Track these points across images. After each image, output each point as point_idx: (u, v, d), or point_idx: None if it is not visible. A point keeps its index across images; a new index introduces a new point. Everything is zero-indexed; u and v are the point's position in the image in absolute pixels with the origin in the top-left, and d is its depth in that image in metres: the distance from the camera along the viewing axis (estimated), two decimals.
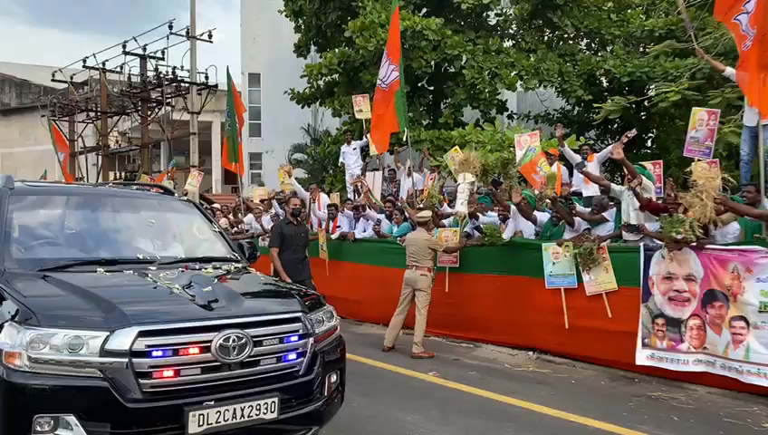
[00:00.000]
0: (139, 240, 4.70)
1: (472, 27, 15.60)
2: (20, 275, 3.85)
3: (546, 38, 17.21)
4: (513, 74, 14.15)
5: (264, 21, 27.93)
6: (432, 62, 14.76)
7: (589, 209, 7.25)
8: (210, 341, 3.43)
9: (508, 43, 16.30)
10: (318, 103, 17.27)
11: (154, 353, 3.30)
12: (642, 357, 6.44)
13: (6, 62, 38.05)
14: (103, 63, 20.69)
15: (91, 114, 21.82)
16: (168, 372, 3.33)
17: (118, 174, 24.98)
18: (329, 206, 10.84)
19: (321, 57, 15.87)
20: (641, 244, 6.50)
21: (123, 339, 3.25)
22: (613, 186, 7.07)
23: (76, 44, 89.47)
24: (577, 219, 7.16)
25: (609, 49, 16.62)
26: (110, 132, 23.32)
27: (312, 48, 17.60)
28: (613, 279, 6.68)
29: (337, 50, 14.66)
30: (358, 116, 11.95)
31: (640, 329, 6.45)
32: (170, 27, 17.93)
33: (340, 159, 13.30)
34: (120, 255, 4.39)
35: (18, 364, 3.19)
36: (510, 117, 16.85)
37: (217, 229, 5.35)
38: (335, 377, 4.08)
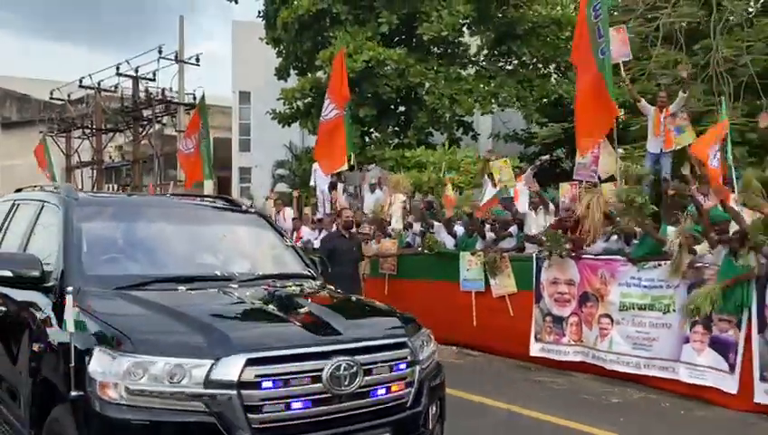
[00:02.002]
0: (213, 255, 4.39)
1: (437, 56, 16.92)
2: (97, 294, 3.47)
3: (511, 65, 18.56)
4: (470, 100, 15.44)
5: (253, 42, 29.30)
6: (400, 88, 16.04)
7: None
8: (321, 369, 3.07)
9: (471, 70, 17.65)
10: (298, 124, 18.56)
11: (264, 384, 2.96)
12: (535, 349, 7.66)
13: (8, 77, 39.38)
14: (99, 83, 22.03)
15: (87, 131, 23.11)
16: (279, 406, 2.99)
17: (112, 187, 26.29)
18: (293, 219, 12.08)
19: (299, 80, 17.23)
20: (534, 253, 7.74)
21: (230, 368, 2.90)
22: (519, 208, 8.34)
23: (78, 56, 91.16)
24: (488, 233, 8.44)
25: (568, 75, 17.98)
26: (105, 147, 24.64)
27: (293, 72, 18.92)
28: (513, 283, 7.91)
29: (309, 75, 16.01)
30: None
31: (533, 325, 7.69)
32: (160, 52, 19.35)
33: (312, 178, 14.53)
34: (197, 271, 4.06)
35: (113, 396, 2.86)
36: (474, 138, 18.15)
37: (290, 243, 5.09)
38: (435, 408, 3.69)
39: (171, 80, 21.14)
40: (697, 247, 6.46)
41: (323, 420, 3.10)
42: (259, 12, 18.22)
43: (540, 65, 18.40)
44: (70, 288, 3.15)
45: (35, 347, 3.47)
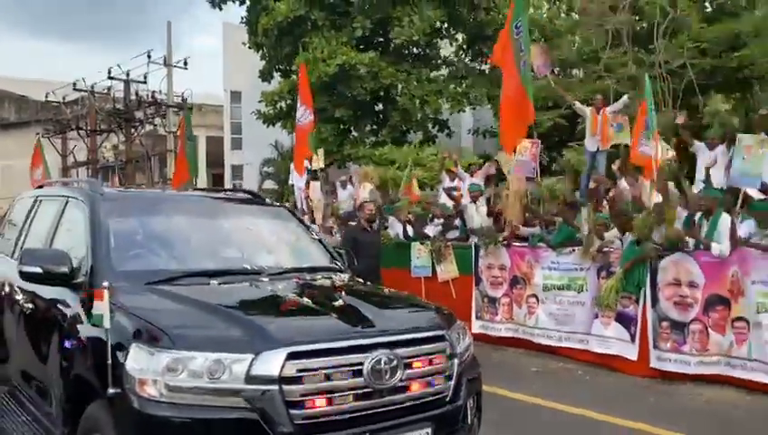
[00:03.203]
0: (241, 249, 4.30)
1: (411, 58, 17.79)
2: (128, 290, 3.40)
3: (488, 65, 19.40)
4: (439, 100, 16.34)
5: (243, 42, 30.25)
6: (374, 89, 16.89)
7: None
8: (362, 363, 3.02)
9: (444, 72, 18.51)
10: (281, 124, 19.44)
11: (305, 379, 2.90)
12: (476, 326, 8.56)
13: (6, 78, 40.21)
14: (92, 86, 22.91)
15: (82, 132, 23.98)
16: (321, 401, 2.93)
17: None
18: None
19: (279, 83, 18.13)
20: (473, 242, 8.64)
21: (271, 363, 2.86)
22: (463, 201, 9.28)
23: (79, 54, 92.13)
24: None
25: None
26: (100, 147, 25.53)
27: (276, 74, 19.79)
28: (456, 269, 8.81)
29: (289, 78, 16.88)
30: None
31: (474, 305, 8.59)
32: (149, 56, 20.25)
33: (291, 176, 15.42)
34: (226, 265, 3.99)
35: (153, 393, 2.81)
36: (449, 135, 19.02)
37: (316, 236, 5.04)
38: (473, 402, 3.64)
39: (161, 82, 22.04)
40: (607, 234, 7.36)
41: (365, 415, 3.03)
42: (242, 18, 19.07)
43: None
44: (106, 283, 3.11)
45: (67, 344, 3.45)
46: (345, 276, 4.34)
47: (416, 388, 3.24)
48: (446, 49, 19.29)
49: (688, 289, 6.43)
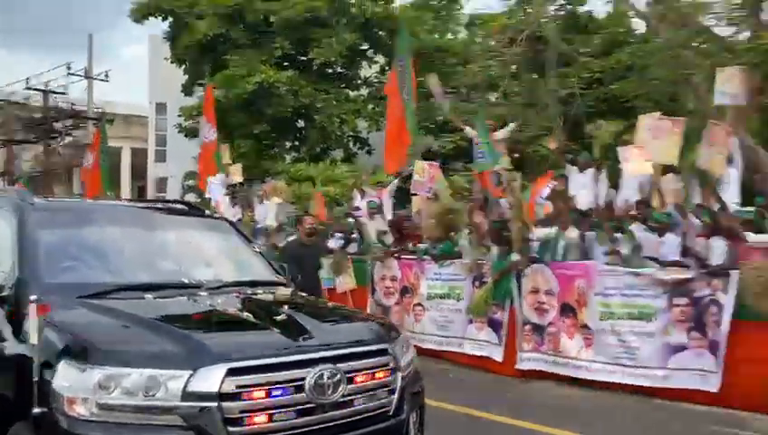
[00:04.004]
0: (178, 262, 4.18)
1: (332, 78, 18.51)
2: (58, 304, 3.22)
3: None
4: (356, 120, 17.11)
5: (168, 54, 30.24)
6: (296, 107, 17.51)
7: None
8: (303, 378, 3.00)
9: (365, 92, 19.33)
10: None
11: (245, 396, 2.87)
12: None
13: None
14: (9, 95, 22.61)
15: None
16: (261, 418, 2.89)
17: None
18: None
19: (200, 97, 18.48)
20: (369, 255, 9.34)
21: (209, 379, 2.80)
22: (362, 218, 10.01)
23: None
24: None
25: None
26: (20, 158, 25.08)
27: (199, 88, 20.11)
28: (353, 281, 9.47)
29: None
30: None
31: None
32: (68, 68, 20.25)
33: (207, 190, 15.78)
34: (163, 278, 3.88)
35: (82, 412, 2.72)
36: (369, 153, 19.79)
37: (257, 249, 4.97)
38: (416, 416, 3.66)
39: (83, 91, 22.00)
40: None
41: (307, 432, 3.03)
42: (164, 33, 19.34)
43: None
44: (33, 297, 2.99)
45: None
46: (287, 290, 4.26)
47: (359, 402, 3.24)
48: (368, 70, 20.10)
49: (545, 296, 7.28)
